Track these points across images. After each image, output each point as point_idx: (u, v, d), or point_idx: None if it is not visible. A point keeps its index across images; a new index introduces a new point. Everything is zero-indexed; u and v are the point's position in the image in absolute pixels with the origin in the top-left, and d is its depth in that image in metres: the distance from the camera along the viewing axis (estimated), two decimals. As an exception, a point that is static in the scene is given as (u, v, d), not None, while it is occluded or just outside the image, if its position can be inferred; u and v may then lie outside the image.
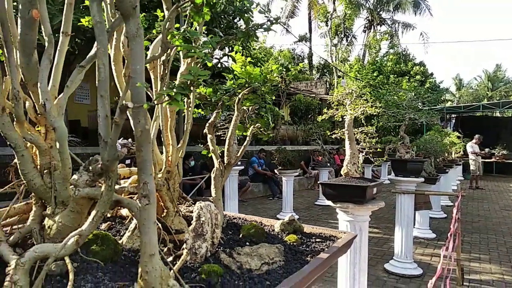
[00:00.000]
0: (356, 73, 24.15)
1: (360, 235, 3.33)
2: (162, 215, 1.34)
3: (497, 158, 18.58)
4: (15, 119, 0.97)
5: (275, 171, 9.23)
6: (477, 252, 6.05)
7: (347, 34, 30.78)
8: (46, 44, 0.99)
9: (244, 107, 1.56)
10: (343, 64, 29.11)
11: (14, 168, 1.10)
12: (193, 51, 0.94)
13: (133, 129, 0.81)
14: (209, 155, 1.70)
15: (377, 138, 4.31)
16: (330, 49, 29.68)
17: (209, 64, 1.06)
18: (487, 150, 17.91)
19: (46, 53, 0.98)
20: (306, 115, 17.57)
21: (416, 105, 6.42)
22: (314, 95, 19.57)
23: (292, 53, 33.31)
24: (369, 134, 3.95)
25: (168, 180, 1.35)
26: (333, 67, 27.92)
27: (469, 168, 14.45)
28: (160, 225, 1.26)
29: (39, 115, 1.03)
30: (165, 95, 0.92)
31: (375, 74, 23.43)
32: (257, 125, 1.59)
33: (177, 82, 1.43)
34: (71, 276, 0.83)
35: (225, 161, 1.56)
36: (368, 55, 30.41)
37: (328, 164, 10.92)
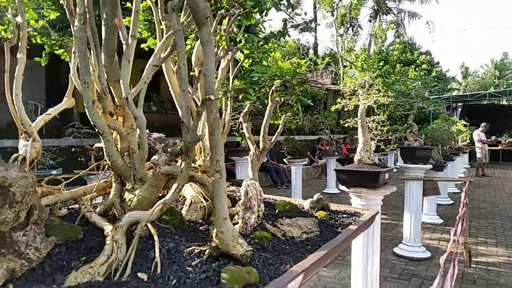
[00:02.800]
0: (363, 62, 24.10)
1: (373, 218, 3.51)
2: (209, 193, 1.53)
3: (504, 146, 18.63)
4: (101, 110, 1.16)
5: (284, 160, 9.40)
6: (484, 236, 6.22)
7: (353, 24, 30.62)
8: (124, 47, 1.17)
9: (277, 98, 1.73)
10: (349, 54, 29.03)
11: (94, 152, 1.30)
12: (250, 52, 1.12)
13: (207, 117, 0.99)
14: (243, 142, 1.88)
15: (387, 126, 4.47)
16: (336, 39, 29.60)
17: (265, 63, 1.23)
18: (493, 138, 17.95)
19: (125, 54, 1.16)
20: (313, 105, 17.67)
21: (424, 94, 6.54)
22: (320, 85, 19.62)
23: (297, 43, 33.22)
24: (380, 123, 4.11)
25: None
26: (339, 57, 27.86)
27: (476, 156, 14.54)
28: (210, 201, 1.45)
29: (118, 107, 1.21)
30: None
31: (381, 64, 23.38)
32: (288, 114, 1.77)
33: (219, 76, 1.61)
34: (155, 237, 1.02)
35: (261, 147, 1.74)
36: (374, 45, 30.28)
37: (336, 153, 11.07)
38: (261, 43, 1.39)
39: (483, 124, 14.78)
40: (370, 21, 31.55)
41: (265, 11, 1.19)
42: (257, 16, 1.38)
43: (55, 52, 1.58)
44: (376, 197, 3.60)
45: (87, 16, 1.04)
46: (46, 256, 0.95)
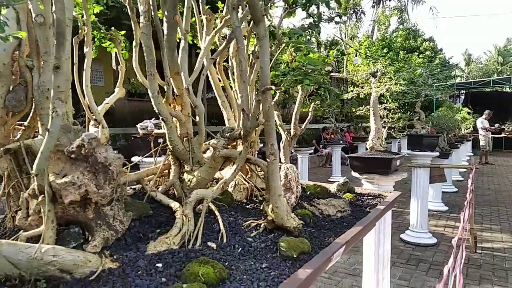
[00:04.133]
0: (366, 49, 23.98)
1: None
2: (247, 176, 1.66)
3: (507, 133, 18.68)
4: (164, 99, 1.28)
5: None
6: (489, 223, 6.35)
7: (356, 10, 30.35)
8: (182, 42, 1.28)
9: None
10: (352, 41, 28.85)
11: (153, 138, 1.43)
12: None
13: (262, 105, 1.11)
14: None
15: (398, 114, 4.58)
16: (339, 26, 29.37)
17: (312, 56, 1.35)
18: (497, 125, 17.98)
19: (183, 48, 1.28)
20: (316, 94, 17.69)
21: (431, 82, 6.60)
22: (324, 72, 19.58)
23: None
24: (391, 110, 4.21)
25: (251, 148, 1.67)
26: (343, 44, 27.70)
27: (479, 143, 14.62)
28: (251, 183, 1.58)
29: (177, 96, 1.34)
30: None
31: (384, 51, 23.26)
32: (316, 102, 1.89)
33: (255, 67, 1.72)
34: (217, 213, 1.16)
35: (292, 133, 1.87)
36: (377, 31, 30.05)
37: (341, 142, 11.18)
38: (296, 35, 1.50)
39: (486, 111, 14.79)
40: (373, 7, 31.27)
41: (307, 7, 1.30)
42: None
43: (103, 45, 1.69)
44: (388, 183, 3.73)
45: (152, 13, 1.15)
46: (126, 229, 1.08)
